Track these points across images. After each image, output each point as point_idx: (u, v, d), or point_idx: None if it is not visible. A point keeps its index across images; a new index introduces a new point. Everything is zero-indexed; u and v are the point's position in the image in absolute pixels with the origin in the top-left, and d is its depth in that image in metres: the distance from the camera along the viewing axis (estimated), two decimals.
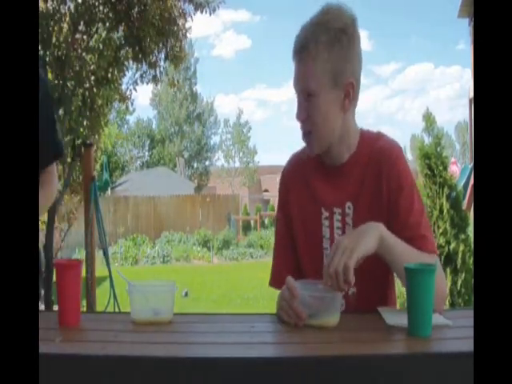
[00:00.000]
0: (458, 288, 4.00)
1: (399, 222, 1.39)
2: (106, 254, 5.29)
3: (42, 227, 5.34)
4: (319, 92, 1.41)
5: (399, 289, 4.53)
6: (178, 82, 9.35)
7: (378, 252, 1.30)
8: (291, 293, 1.26)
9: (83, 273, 1.32)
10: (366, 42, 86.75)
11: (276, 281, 1.54)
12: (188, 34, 6.61)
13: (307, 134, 1.46)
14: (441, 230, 4.11)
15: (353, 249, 1.24)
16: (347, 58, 1.41)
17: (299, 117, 1.45)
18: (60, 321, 1.25)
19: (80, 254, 11.24)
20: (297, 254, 1.54)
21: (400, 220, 1.38)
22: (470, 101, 12.48)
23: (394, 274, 1.46)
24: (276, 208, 1.70)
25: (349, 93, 1.43)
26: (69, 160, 5.59)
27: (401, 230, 1.37)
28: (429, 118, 4.52)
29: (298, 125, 1.47)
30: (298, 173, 1.57)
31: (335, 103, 1.43)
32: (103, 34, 5.82)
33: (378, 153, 1.47)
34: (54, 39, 5.54)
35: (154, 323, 1.25)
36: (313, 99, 1.41)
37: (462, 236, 4.12)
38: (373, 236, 1.29)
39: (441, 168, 4.25)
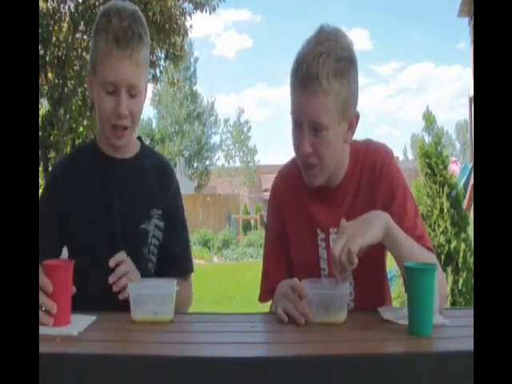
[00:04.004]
0: (459, 287, 4.00)
1: None
2: None
3: None
4: (330, 127, 1.34)
5: (399, 288, 4.54)
6: (177, 81, 9.36)
7: (383, 242, 1.30)
8: (299, 293, 1.26)
9: None
10: (366, 42, 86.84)
11: (267, 296, 1.53)
12: (188, 33, 6.62)
13: (311, 167, 1.40)
14: (441, 229, 4.11)
15: (357, 236, 1.23)
16: (354, 89, 1.37)
17: (303, 150, 1.36)
18: (54, 322, 1.20)
19: None
20: (291, 272, 1.51)
21: None
22: (470, 100, 12.48)
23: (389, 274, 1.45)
24: (266, 218, 1.66)
25: (352, 125, 1.40)
26: None
27: None
28: (429, 117, 4.53)
29: None
30: (291, 190, 1.53)
31: (342, 136, 1.39)
32: None
33: (370, 161, 1.46)
34: (53, 39, 5.54)
35: (154, 323, 1.25)
36: (322, 134, 1.35)
37: (463, 235, 4.12)
38: (378, 225, 1.27)
39: (441, 167, 4.25)
